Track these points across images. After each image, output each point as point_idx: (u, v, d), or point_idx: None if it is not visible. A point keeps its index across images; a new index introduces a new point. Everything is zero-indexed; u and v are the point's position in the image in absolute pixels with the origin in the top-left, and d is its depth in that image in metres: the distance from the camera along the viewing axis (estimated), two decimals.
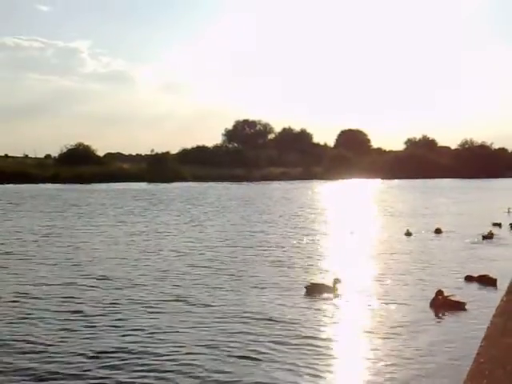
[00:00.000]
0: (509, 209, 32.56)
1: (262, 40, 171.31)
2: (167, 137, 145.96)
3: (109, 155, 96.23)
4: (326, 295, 12.07)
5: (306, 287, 12.45)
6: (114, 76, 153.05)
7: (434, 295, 11.20)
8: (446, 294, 11.17)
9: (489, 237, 20.82)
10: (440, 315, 10.72)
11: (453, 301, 11.04)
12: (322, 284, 12.47)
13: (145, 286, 13.38)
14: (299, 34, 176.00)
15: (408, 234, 22.15)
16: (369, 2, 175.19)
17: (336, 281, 12.29)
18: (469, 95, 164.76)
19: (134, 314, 10.90)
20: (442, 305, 10.96)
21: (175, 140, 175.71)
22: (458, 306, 10.95)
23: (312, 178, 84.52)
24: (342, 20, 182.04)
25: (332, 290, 12.21)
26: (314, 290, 12.24)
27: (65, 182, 66.84)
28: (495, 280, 13.00)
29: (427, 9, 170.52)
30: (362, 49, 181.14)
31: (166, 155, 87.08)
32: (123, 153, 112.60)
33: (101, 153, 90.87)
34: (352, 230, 23.18)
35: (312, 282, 12.77)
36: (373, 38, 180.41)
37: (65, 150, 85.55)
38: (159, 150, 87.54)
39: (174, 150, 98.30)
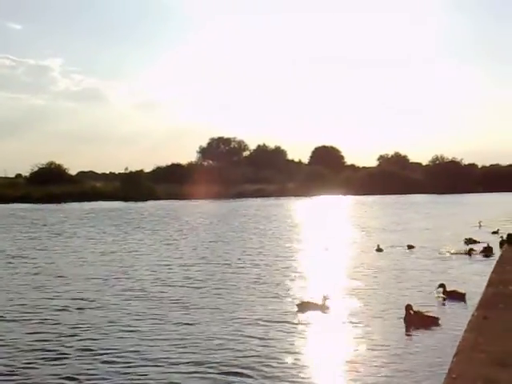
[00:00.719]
0: (480, 223, 33.18)
1: (237, 58, 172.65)
2: (141, 155, 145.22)
3: (81, 174, 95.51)
4: (315, 312, 12.14)
5: (296, 305, 12.55)
6: (86, 94, 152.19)
7: (404, 311, 11.35)
8: (415, 308, 11.33)
9: (469, 253, 20.99)
10: (413, 331, 10.84)
11: (425, 316, 11.21)
12: (312, 302, 12.55)
13: (118, 305, 13.26)
14: (274, 52, 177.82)
15: (379, 250, 22.42)
16: (339, 22, 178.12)
17: (325, 298, 12.41)
18: (438, 111, 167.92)
19: (107, 336, 10.76)
20: (415, 320, 11.11)
21: (149, 158, 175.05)
22: (432, 322, 11.10)
23: (287, 195, 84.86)
24: (316, 39, 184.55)
25: (322, 307, 12.32)
26: (304, 308, 12.33)
27: (36, 202, 65.88)
28: (464, 294, 13.23)
29: (396, 27, 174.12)
30: (334, 66, 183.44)
31: (139, 173, 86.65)
32: (96, 171, 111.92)
33: (73, 171, 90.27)
34: (326, 246, 23.38)
35: (302, 300, 12.82)
36: (344, 55, 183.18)
37: (36, 169, 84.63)
38: (133, 168, 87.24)
39: (149, 168, 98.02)
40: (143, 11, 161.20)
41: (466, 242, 24.32)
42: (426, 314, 11.28)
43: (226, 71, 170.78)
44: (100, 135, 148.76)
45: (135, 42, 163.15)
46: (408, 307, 11.28)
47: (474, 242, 24.37)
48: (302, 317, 11.98)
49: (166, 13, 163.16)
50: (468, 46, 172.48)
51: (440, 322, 11.19)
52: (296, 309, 12.45)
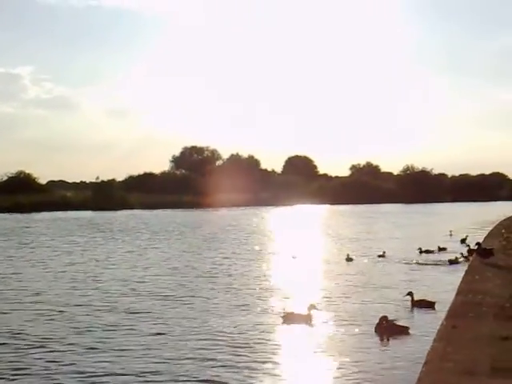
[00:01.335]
0: (451, 232, 33.54)
1: (210, 66, 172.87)
2: (113, 164, 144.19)
3: (51, 183, 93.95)
4: (300, 322, 11.96)
5: (282, 316, 12.30)
6: (57, 102, 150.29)
7: (378, 321, 11.29)
8: (389, 318, 11.30)
9: (455, 262, 20.85)
10: (384, 340, 10.82)
11: (396, 325, 11.19)
12: (297, 313, 12.32)
13: (86, 317, 12.91)
14: (248, 60, 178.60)
15: (349, 259, 22.36)
16: (311, 34, 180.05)
17: (311, 307, 12.25)
18: (410, 121, 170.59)
19: (75, 347, 10.47)
20: (386, 330, 11.07)
21: (122, 167, 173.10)
22: (402, 331, 11.09)
23: (260, 204, 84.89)
24: (289, 50, 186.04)
25: (307, 316, 12.12)
26: (289, 318, 12.12)
27: (4, 212, 64.48)
28: (433, 303, 13.28)
29: (369, 40, 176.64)
30: (307, 76, 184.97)
31: (111, 182, 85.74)
32: (67, 180, 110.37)
33: (43, 181, 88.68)
34: (294, 255, 23.29)
35: (286, 310, 12.54)
36: (317, 65, 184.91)
37: (5, 179, 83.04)
38: (105, 177, 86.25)
39: (121, 177, 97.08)
40: (115, 18, 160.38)
41: (420, 252, 24.11)
42: (396, 323, 11.26)
43: (199, 79, 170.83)
44: (71, 144, 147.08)
45: (107, 49, 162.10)
46: (383, 318, 11.23)
47: (428, 251, 24.23)
48: (271, 327, 11.85)
49: (138, 20, 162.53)
50: (437, 58, 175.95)
51: (410, 331, 11.18)
52: (281, 320, 12.20)
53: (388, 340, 10.79)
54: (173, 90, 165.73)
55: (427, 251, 24.28)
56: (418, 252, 24.17)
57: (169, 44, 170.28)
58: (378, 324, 11.23)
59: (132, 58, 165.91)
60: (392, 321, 11.25)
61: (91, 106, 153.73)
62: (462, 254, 21.85)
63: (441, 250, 24.87)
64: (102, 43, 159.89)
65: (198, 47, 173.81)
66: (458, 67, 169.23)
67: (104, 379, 8.82)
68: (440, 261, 21.63)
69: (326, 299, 14.63)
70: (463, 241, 28.06)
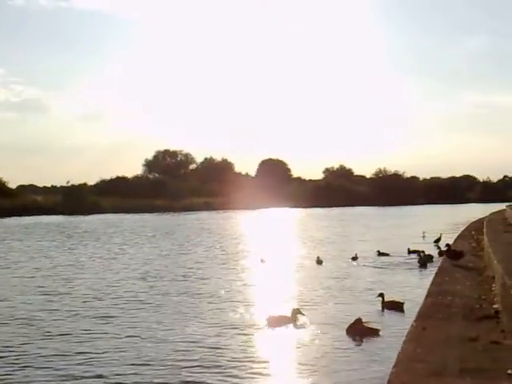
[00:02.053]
0: (424, 233, 33.89)
1: (183, 70, 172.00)
2: (85, 168, 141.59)
3: (21, 187, 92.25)
4: (285, 326, 11.81)
5: (266, 319, 12.11)
6: (27, 105, 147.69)
7: (351, 323, 11.27)
8: (363, 320, 11.29)
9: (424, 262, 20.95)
10: (356, 342, 10.79)
11: (367, 328, 11.18)
12: (282, 316, 12.18)
13: (54, 323, 12.61)
14: (220, 64, 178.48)
15: (319, 261, 22.32)
16: (281, 36, 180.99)
17: (295, 311, 12.09)
18: (381, 125, 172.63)
19: (46, 354, 10.20)
20: (358, 332, 11.06)
21: (94, 171, 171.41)
22: (373, 333, 11.09)
23: (234, 208, 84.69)
24: (259, 52, 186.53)
25: (292, 319, 11.97)
26: (274, 322, 11.95)
27: None
28: (402, 304, 13.32)
29: (339, 44, 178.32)
30: (278, 79, 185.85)
31: (82, 186, 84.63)
32: (37, 184, 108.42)
33: (13, 185, 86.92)
34: (262, 258, 23.15)
35: (271, 314, 12.32)
36: (288, 68, 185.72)
37: None
38: (76, 181, 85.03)
39: (92, 181, 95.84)
40: (86, 20, 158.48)
41: (380, 254, 24.30)
42: (367, 325, 11.26)
43: (171, 82, 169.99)
44: (42, 147, 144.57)
45: (79, 52, 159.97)
46: (358, 321, 11.20)
47: (384, 254, 24.41)
48: (234, 331, 11.71)
49: (109, 21, 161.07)
50: (407, 62, 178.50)
51: (381, 332, 11.19)
52: (265, 323, 12.04)
53: (360, 342, 10.77)
54: (146, 94, 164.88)
55: (384, 254, 24.46)
56: (376, 254, 24.37)
57: (142, 46, 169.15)
58: (349, 326, 11.21)
59: (104, 60, 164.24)
60: (364, 323, 11.25)
61: (62, 109, 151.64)
62: (420, 254, 22.00)
63: (411, 252, 24.83)
64: (74, 45, 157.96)
65: (172, 49, 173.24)
66: (426, 70, 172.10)
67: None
68: (411, 263, 21.78)
69: (291, 303, 14.48)
70: (437, 241, 28.28)
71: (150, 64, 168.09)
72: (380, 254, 24.50)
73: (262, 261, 22.78)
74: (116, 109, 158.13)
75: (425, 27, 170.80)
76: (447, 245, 13.07)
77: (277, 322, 12.00)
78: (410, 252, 24.87)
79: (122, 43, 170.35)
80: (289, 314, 12.16)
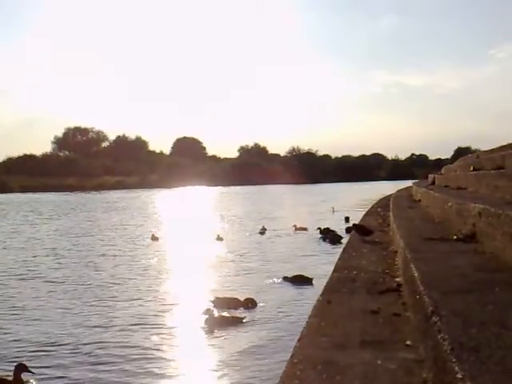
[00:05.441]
0: (333, 208, 35.02)
1: (95, 45, 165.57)
2: None
3: None
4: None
5: (212, 301, 11.08)
6: None
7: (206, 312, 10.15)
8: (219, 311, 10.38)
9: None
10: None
11: (226, 317, 10.22)
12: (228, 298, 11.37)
13: None
14: (137, 40, 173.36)
15: (219, 238, 22.34)
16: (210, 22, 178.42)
17: (248, 301, 11.29)
18: (296, 105, 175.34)
19: None
20: (217, 322, 9.95)
21: (0, 148, 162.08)
22: (234, 322, 10.07)
23: (149, 187, 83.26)
24: (187, 32, 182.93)
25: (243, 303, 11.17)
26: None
27: None
28: (311, 279, 13.43)
29: (262, 29, 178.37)
30: (191, 57, 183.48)
31: None
32: None
33: None
34: (154, 234, 23.10)
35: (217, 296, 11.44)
36: (208, 50, 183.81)
37: None
38: None
39: None
40: None
41: (320, 232, 24.63)
42: (225, 315, 10.31)
43: (82, 58, 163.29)
44: None
45: None
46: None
47: (301, 228, 24.99)
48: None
49: None
50: (322, 44, 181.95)
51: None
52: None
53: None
54: (56, 68, 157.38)
55: (302, 228, 24.98)
56: (293, 229, 24.83)
57: (51, 19, 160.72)
58: (208, 316, 10.04)
59: (12, 33, 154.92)
60: (221, 314, 10.30)
61: None
62: (320, 229, 22.92)
63: (324, 231, 24.90)
64: None
65: (83, 24, 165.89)
66: (339, 52, 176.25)
67: None
68: (319, 238, 22.13)
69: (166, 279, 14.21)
70: (347, 219, 29.00)
71: (59, 37, 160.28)
72: (297, 228, 24.85)
73: (153, 238, 22.61)
74: (24, 84, 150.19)
75: (341, 12, 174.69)
76: (354, 224, 13.27)
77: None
78: (321, 232, 25.05)
79: (31, 14, 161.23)
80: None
